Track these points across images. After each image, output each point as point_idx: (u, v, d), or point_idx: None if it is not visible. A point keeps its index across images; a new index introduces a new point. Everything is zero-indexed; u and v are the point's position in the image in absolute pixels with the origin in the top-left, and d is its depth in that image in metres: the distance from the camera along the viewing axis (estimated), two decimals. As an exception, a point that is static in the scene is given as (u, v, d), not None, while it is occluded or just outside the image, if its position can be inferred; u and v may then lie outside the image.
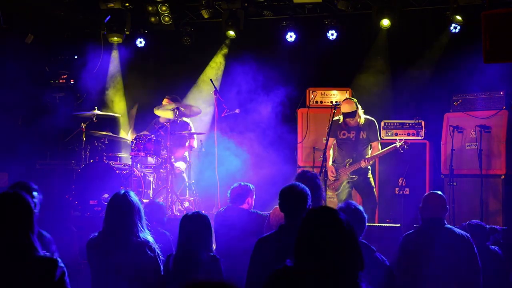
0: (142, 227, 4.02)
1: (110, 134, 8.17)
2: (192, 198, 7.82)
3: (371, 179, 7.34)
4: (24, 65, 8.94)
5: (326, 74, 9.22)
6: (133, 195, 4.06)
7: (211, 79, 8.37)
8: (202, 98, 9.42)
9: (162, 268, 4.03)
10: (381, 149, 7.27)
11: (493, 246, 5.24)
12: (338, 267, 2.55)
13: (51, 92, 9.55)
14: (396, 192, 7.85)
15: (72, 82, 9.54)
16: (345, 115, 7.17)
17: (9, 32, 8.72)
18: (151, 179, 7.96)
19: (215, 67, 9.69)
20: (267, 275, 2.82)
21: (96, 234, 4.09)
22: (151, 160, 7.94)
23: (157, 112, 8.00)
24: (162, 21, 9.29)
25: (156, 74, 9.59)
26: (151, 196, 7.68)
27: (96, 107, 8.31)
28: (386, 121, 8.17)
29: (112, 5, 8.98)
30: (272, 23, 9.33)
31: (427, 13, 8.82)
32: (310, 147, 8.27)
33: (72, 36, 9.83)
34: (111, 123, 8.89)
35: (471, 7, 8.15)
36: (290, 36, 9.14)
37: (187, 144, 8.07)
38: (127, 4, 9.11)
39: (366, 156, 7.20)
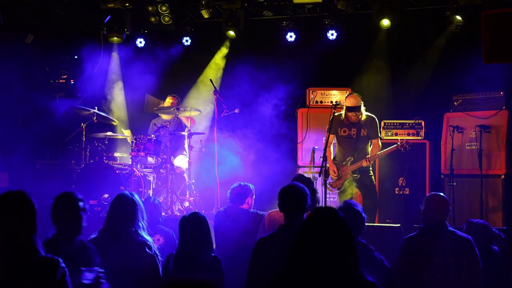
0: (143, 227, 4.03)
1: (110, 134, 8.17)
2: (192, 198, 7.83)
3: (373, 177, 7.34)
4: (24, 65, 8.95)
5: (326, 74, 9.22)
6: (135, 196, 4.09)
7: (211, 79, 8.38)
8: (202, 98, 9.42)
9: (160, 268, 4.04)
10: (381, 146, 7.27)
11: (494, 246, 5.23)
12: (339, 268, 2.54)
13: (51, 92, 9.55)
14: (396, 192, 7.85)
15: (72, 82, 9.54)
16: (349, 108, 7.15)
17: (9, 32, 8.72)
18: (151, 179, 7.96)
19: (215, 67, 9.69)
20: (267, 275, 2.82)
21: (96, 234, 4.09)
22: (151, 160, 7.94)
23: (157, 111, 8.02)
24: (162, 21, 9.30)
25: (156, 74, 9.58)
26: (151, 196, 7.67)
27: (96, 107, 8.32)
28: (386, 121, 8.17)
29: (112, 5, 8.98)
30: (272, 23, 9.33)
31: (427, 13, 8.82)
32: (310, 147, 8.27)
33: (72, 36, 9.83)
34: (111, 123, 8.88)
35: (471, 7, 8.15)
36: (290, 36, 9.14)
37: (185, 143, 8.08)
38: (127, 4, 9.11)
39: (367, 156, 7.20)
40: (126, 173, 7.71)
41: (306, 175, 8.18)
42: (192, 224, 4.10)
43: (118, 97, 9.79)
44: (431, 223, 4.46)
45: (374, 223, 7.10)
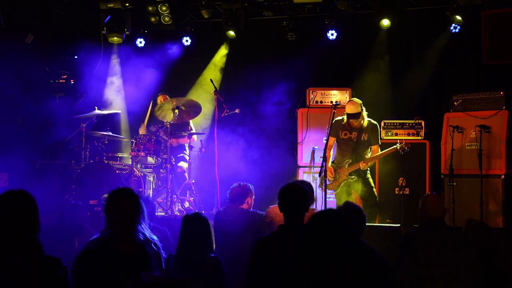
0: (146, 225, 4.02)
1: (110, 134, 8.17)
2: (192, 198, 7.83)
3: (370, 179, 7.35)
4: (24, 65, 8.95)
5: (326, 74, 9.22)
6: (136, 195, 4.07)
7: (211, 79, 8.38)
8: (202, 98, 9.41)
9: (161, 264, 4.03)
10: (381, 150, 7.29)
11: (492, 246, 5.23)
12: (341, 269, 2.55)
13: (51, 92, 9.55)
14: (396, 192, 7.85)
15: (72, 82, 9.54)
16: (349, 116, 7.17)
17: (9, 32, 8.72)
18: (151, 179, 7.97)
19: (215, 67, 9.68)
20: (267, 275, 2.83)
21: (98, 234, 4.08)
22: (151, 160, 7.95)
23: (157, 112, 8.02)
24: (162, 21, 9.29)
25: (156, 74, 9.58)
26: (151, 196, 7.68)
27: (96, 107, 8.32)
28: (386, 121, 8.17)
29: (112, 5, 8.98)
30: (272, 23, 9.32)
31: (427, 13, 8.82)
32: (310, 147, 8.27)
33: (72, 36, 9.83)
34: (111, 123, 8.89)
35: (471, 7, 8.15)
36: (290, 36, 9.14)
37: (187, 138, 8.08)
38: (127, 4, 9.10)
39: (366, 157, 7.21)
40: (126, 173, 7.71)
41: (306, 175, 8.27)
42: (194, 224, 4.10)
43: (118, 97, 9.78)
44: (428, 222, 4.49)
45: (374, 223, 7.11)
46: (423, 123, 8.07)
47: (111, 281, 3.23)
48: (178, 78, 9.65)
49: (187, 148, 8.27)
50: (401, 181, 7.75)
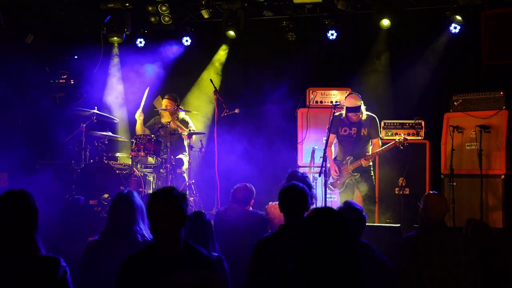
0: (145, 227, 4.02)
1: (110, 134, 8.17)
2: (192, 198, 7.83)
3: (373, 177, 7.36)
4: (24, 65, 8.95)
5: (326, 74, 9.22)
6: (136, 195, 4.08)
7: (211, 79, 8.38)
8: (202, 98, 9.42)
9: None
10: (381, 146, 7.29)
11: (492, 246, 5.23)
12: (341, 269, 2.54)
13: (51, 92, 9.55)
14: (396, 192, 7.85)
15: (72, 82, 9.54)
16: (349, 109, 7.16)
17: (9, 32, 8.72)
18: (151, 179, 7.96)
19: (215, 67, 9.68)
20: (267, 275, 2.82)
21: (98, 235, 4.08)
22: (151, 160, 7.95)
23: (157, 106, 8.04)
24: (162, 21, 9.30)
25: (156, 74, 9.58)
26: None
27: (96, 107, 8.32)
28: (386, 121, 8.17)
29: (112, 5, 8.98)
30: (272, 23, 9.33)
31: (427, 13, 8.82)
32: (310, 147, 8.27)
33: (72, 36, 9.83)
34: (111, 123, 8.89)
35: (471, 7, 8.15)
36: (291, 36, 9.14)
37: (186, 143, 8.08)
38: (127, 4, 9.11)
39: (366, 154, 7.21)
40: (126, 173, 7.71)
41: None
42: (196, 223, 4.10)
43: (117, 97, 9.78)
44: (429, 222, 4.48)
45: (374, 223, 7.11)
46: (423, 123, 8.07)
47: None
48: (178, 78, 9.64)
49: (187, 149, 8.27)
50: (401, 181, 7.76)
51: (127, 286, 3.13)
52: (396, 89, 8.88)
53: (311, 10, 9.18)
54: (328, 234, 2.60)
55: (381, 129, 8.03)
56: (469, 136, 7.69)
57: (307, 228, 2.67)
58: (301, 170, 8.31)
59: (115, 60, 9.80)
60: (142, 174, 7.79)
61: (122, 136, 8.80)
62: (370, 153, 7.24)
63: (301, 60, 9.19)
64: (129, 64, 9.67)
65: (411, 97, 8.72)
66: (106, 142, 8.05)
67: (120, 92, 9.82)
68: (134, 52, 9.66)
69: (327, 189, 6.89)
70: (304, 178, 4.94)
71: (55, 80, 9.56)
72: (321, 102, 8.51)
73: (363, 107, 7.26)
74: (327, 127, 7.24)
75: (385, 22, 8.47)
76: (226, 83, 9.46)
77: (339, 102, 7.36)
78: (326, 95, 8.51)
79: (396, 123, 8.16)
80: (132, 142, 7.70)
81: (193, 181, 7.98)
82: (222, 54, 9.68)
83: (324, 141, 7.30)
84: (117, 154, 8.32)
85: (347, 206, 4.13)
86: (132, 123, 9.46)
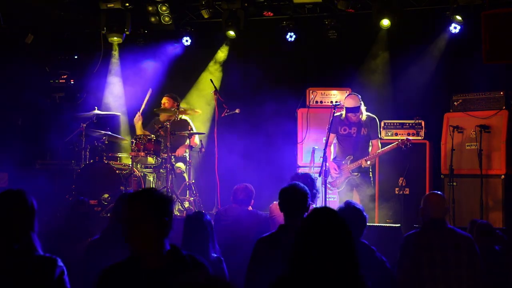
0: None
1: (110, 134, 8.17)
2: (192, 198, 7.83)
3: (372, 179, 7.36)
4: (24, 65, 8.94)
5: (326, 74, 9.21)
6: None
7: (211, 79, 8.38)
8: (202, 98, 9.42)
9: None
10: (381, 147, 7.29)
11: (495, 246, 5.23)
12: (340, 271, 2.53)
13: (51, 92, 9.55)
14: (396, 192, 7.85)
15: (72, 82, 9.54)
16: (349, 109, 7.16)
17: (9, 32, 8.71)
18: (151, 179, 7.96)
19: (215, 67, 9.69)
20: (266, 275, 2.82)
21: (99, 234, 4.08)
22: (151, 160, 7.94)
23: (158, 111, 8.03)
24: (162, 21, 9.29)
25: (156, 74, 9.58)
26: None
27: (96, 107, 8.32)
28: (386, 121, 8.17)
29: (112, 5, 8.98)
30: (272, 23, 9.32)
31: (427, 13, 8.82)
32: (310, 147, 8.27)
33: (72, 36, 9.83)
34: (111, 123, 8.88)
35: (471, 7, 8.16)
36: (290, 36, 9.14)
37: (187, 142, 8.08)
38: (127, 4, 9.10)
39: (369, 155, 7.21)
40: (126, 173, 7.71)
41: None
42: (196, 223, 4.10)
43: (118, 97, 9.78)
44: (429, 221, 4.48)
45: (374, 223, 7.11)
46: (423, 123, 8.07)
47: None
48: (178, 78, 9.64)
49: (186, 149, 8.26)
50: (401, 181, 7.75)
51: None
52: (396, 89, 8.88)
53: (311, 10, 9.18)
54: (328, 234, 2.59)
55: (381, 129, 8.04)
56: (469, 136, 7.69)
57: (306, 228, 2.66)
58: (301, 170, 8.36)
59: (115, 60, 9.79)
60: (142, 174, 7.79)
61: (122, 136, 8.80)
62: (371, 154, 7.23)
63: (301, 60, 9.19)
64: (129, 64, 9.67)
65: (411, 97, 8.71)
66: (106, 142, 8.05)
67: (120, 92, 9.82)
68: (134, 52, 9.66)
69: (326, 189, 6.89)
70: (307, 177, 4.93)
71: (55, 80, 9.56)
72: (321, 102, 8.50)
73: (363, 108, 7.26)
74: (327, 127, 7.24)
75: (385, 22, 8.48)
76: (226, 83, 9.46)
77: (339, 102, 7.36)
78: (326, 95, 8.51)
79: (396, 123, 8.16)
80: (132, 142, 7.69)
81: (193, 181, 7.98)
82: (222, 54, 9.68)
83: (324, 141, 7.30)
84: (117, 154, 8.32)
85: (348, 206, 4.13)
86: (132, 122, 9.45)
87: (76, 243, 4.71)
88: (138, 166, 7.93)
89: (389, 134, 8.12)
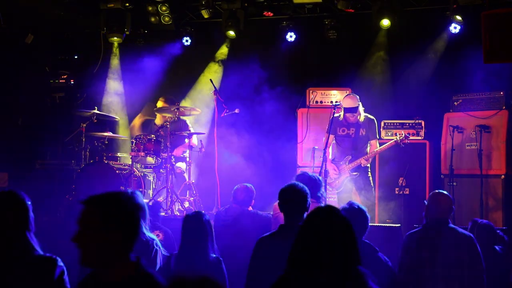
0: (146, 227, 4.03)
1: (110, 134, 8.17)
2: (192, 198, 7.83)
3: (371, 178, 7.37)
4: (24, 65, 8.94)
5: (326, 74, 9.21)
6: (139, 195, 4.06)
7: (211, 79, 8.38)
8: (202, 98, 9.42)
9: (160, 265, 4.02)
10: (379, 147, 7.30)
11: (496, 247, 5.23)
12: (340, 268, 2.53)
13: (51, 92, 9.55)
14: (396, 192, 7.85)
15: (72, 82, 9.54)
16: (347, 110, 7.17)
17: (9, 32, 8.71)
18: (151, 179, 7.96)
19: (215, 67, 9.68)
20: (267, 275, 2.81)
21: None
22: (151, 160, 7.94)
23: (157, 113, 8.03)
24: (162, 21, 9.29)
25: (156, 74, 9.58)
26: (151, 196, 7.68)
27: (96, 107, 8.31)
28: (386, 121, 8.17)
29: (112, 5, 8.98)
30: (272, 23, 9.32)
31: (427, 13, 8.82)
32: (310, 147, 8.26)
33: (72, 36, 9.83)
34: (111, 124, 8.88)
35: (471, 7, 8.16)
36: (290, 36, 9.14)
37: (186, 141, 8.08)
38: (127, 4, 9.11)
39: (367, 154, 7.22)
40: (126, 173, 7.71)
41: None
42: (195, 223, 4.10)
43: (118, 97, 9.78)
44: (433, 220, 4.48)
45: (374, 223, 7.11)
46: (423, 123, 8.07)
47: None
48: (178, 78, 9.64)
49: (186, 149, 8.26)
50: (401, 181, 7.76)
51: None
52: (396, 89, 8.88)
53: (311, 10, 9.18)
54: (330, 232, 2.58)
55: (381, 129, 8.04)
56: (469, 136, 7.69)
57: (308, 226, 2.65)
58: (301, 170, 8.35)
59: (115, 60, 9.79)
60: (142, 174, 7.79)
61: (122, 136, 8.80)
62: (370, 153, 7.24)
63: (301, 60, 9.19)
64: (129, 64, 9.67)
65: (411, 97, 8.71)
66: (106, 142, 8.04)
67: (120, 92, 9.82)
68: (134, 52, 9.66)
69: (326, 189, 6.89)
70: (313, 178, 4.91)
71: (55, 80, 9.56)
72: (321, 102, 8.50)
73: (361, 109, 7.26)
74: (326, 128, 7.25)
75: (385, 22, 8.48)
76: (226, 83, 9.45)
77: (339, 102, 7.36)
78: (326, 95, 8.51)
79: (396, 123, 8.16)
80: (132, 142, 7.69)
81: (193, 181, 7.98)
82: (222, 54, 9.68)
83: (324, 141, 7.30)
84: (117, 154, 8.32)
85: (351, 206, 4.14)
86: (132, 123, 9.46)
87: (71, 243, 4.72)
88: (138, 166, 7.93)
89: (389, 134, 8.12)
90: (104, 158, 7.80)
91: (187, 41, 9.60)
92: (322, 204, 5.17)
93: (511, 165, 7.49)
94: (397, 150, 7.35)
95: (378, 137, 7.46)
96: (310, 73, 9.19)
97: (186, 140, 8.08)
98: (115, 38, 9.30)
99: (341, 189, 7.33)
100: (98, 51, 9.45)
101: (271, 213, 5.65)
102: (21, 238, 2.91)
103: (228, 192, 5.98)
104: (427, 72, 8.74)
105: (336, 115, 7.24)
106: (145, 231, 4.01)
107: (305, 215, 3.97)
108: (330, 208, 2.70)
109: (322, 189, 5.01)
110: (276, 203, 5.26)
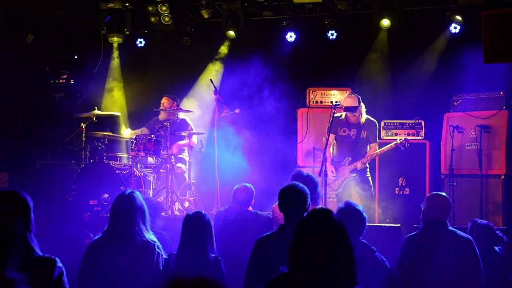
0: (146, 228, 4.02)
1: (110, 134, 8.17)
2: (192, 198, 7.83)
3: (370, 178, 7.37)
4: (24, 65, 8.95)
5: (326, 74, 9.21)
6: (138, 195, 4.06)
7: (211, 79, 8.38)
8: (202, 98, 9.42)
9: (161, 266, 4.02)
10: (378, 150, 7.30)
11: (496, 247, 5.23)
12: (333, 274, 2.52)
13: (51, 92, 9.55)
14: (396, 192, 7.84)
15: (72, 82, 9.54)
16: (346, 109, 7.18)
17: (9, 32, 8.71)
18: (151, 179, 7.96)
19: (215, 67, 9.68)
20: (266, 274, 2.81)
21: (99, 235, 4.07)
22: (151, 160, 7.95)
23: (157, 110, 8.05)
24: (162, 21, 9.29)
25: (156, 74, 9.58)
26: (151, 196, 7.68)
27: (96, 107, 8.31)
28: (386, 121, 8.17)
29: (112, 5, 8.98)
30: (272, 23, 9.32)
31: (427, 13, 8.82)
32: (310, 147, 8.26)
33: (72, 36, 9.83)
34: (111, 123, 8.88)
35: (471, 7, 8.16)
36: (290, 36, 9.13)
37: (185, 141, 8.08)
38: (127, 4, 9.11)
39: (364, 158, 7.20)
40: (126, 173, 7.71)
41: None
42: (195, 223, 4.09)
43: (118, 97, 9.78)
44: (431, 222, 4.47)
45: (374, 223, 7.11)
46: (423, 123, 8.06)
47: None
48: (178, 78, 9.64)
49: (186, 149, 8.26)
50: (401, 181, 7.76)
51: None
52: (396, 89, 8.88)
53: (311, 10, 9.18)
54: (322, 236, 2.57)
55: (381, 129, 8.04)
56: (469, 136, 7.68)
57: (301, 229, 2.65)
58: (303, 170, 8.35)
59: (115, 60, 9.80)
60: (142, 174, 7.79)
61: (122, 136, 8.80)
62: (367, 155, 7.23)
63: (301, 60, 9.19)
64: (129, 64, 9.66)
65: (411, 97, 8.71)
66: (106, 142, 8.04)
67: (120, 92, 9.82)
68: (134, 52, 9.65)
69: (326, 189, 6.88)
70: (309, 177, 4.91)
71: (55, 80, 9.56)
72: (321, 102, 8.50)
73: (363, 110, 7.26)
74: (327, 127, 7.25)
75: (385, 22, 8.48)
76: (226, 83, 9.45)
77: (339, 102, 7.36)
78: (326, 95, 8.51)
79: (396, 123, 8.16)
80: (132, 142, 7.69)
81: (193, 181, 7.98)
82: (222, 54, 9.68)
83: (324, 141, 7.30)
84: (117, 154, 8.32)
85: (348, 206, 4.13)
86: (132, 123, 9.47)
87: (71, 243, 4.73)
88: (138, 166, 7.93)
89: (389, 134, 8.12)
90: (104, 158, 7.80)
91: (187, 41, 9.60)
92: (320, 205, 5.18)
93: (511, 165, 7.49)
94: (398, 150, 7.34)
95: (378, 140, 7.45)
96: (310, 73, 9.19)
97: (186, 140, 8.08)
98: (115, 38, 9.30)
99: (340, 190, 7.33)
100: (98, 51, 9.44)
101: (271, 213, 5.65)
102: (21, 238, 2.90)
103: (228, 192, 5.98)
104: (427, 72, 8.73)
105: (337, 114, 7.24)
106: (145, 232, 4.01)
107: (305, 215, 3.96)
108: (324, 212, 2.69)
109: (319, 189, 4.99)
110: (275, 205, 5.26)
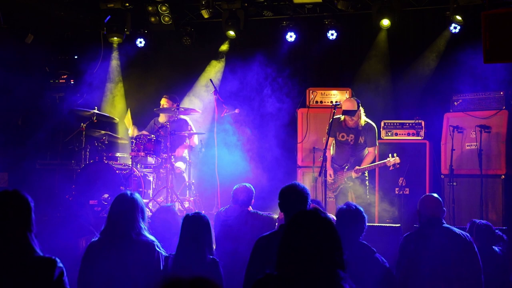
0: (145, 227, 4.02)
1: (110, 134, 8.17)
2: (192, 198, 7.83)
3: (367, 179, 7.35)
4: (24, 65, 8.94)
5: (326, 74, 9.22)
6: (137, 196, 4.07)
7: (211, 79, 8.38)
8: (201, 98, 9.43)
9: (161, 267, 4.03)
10: (377, 154, 7.31)
11: (495, 247, 5.24)
12: (320, 274, 2.52)
13: (51, 92, 9.55)
14: (396, 192, 7.85)
15: (72, 82, 9.54)
16: (345, 112, 7.17)
17: (9, 32, 8.71)
18: (151, 179, 7.96)
19: (215, 67, 9.68)
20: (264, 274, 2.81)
21: (98, 235, 4.07)
22: (151, 160, 7.94)
23: (157, 111, 8.04)
24: (162, 21, 9.30)
25: (156, 74, 9.58)
26: (151, 196, 7.68)
27: (96, 107, 8.31)
28: (386, 121, 8.17)
29: (112, 5, 8.98)
30: (272, 23, 9.33)
31: (427, 13, 8.83)
32: (310, 147, 8.26)
33: (72, 36, 9.83)
34: (111, 123, 8.89)
35: (471, 7, 8.15)
36: (290, 36, 9.14)
37: (187, 142, 8.08)
38: (127, 4, 9.11)
39: (356, 167, 7.16)
40: (126, 173, 7.71)
41: (306, 175, 8.27)
42: (195, 224, 4.09)
43: (118, 97, 9.78)
44: (426, 220, 4.51)
45: (374, 223, 7.11)
46: (423, 123, 8.07)
47: None
48: (178, 78, 9.64)
49: (186, 149, 8.26)
50: (401, 181, 7.75)
51: None
52: (396, 89, 8.88)
53: (311, 10, 9.18)
54: (308, 237, 2.56)
55: (381, 129, 8.04)
56: (469, 136, 7.69)
57: (288, 230, 2.65)
58: (301, 170, 8.37)
59: (115, 60, 9.80)
60: (142, 174, 7.79)
61: (122, 136, 8.80)
62: (361, 166, 7.21)
63: (301, 60, 9.19)
64: (129, 64, 9.66)
65: (411, 97, 8.72)
66: (106, 142, 8.04)
67: (120, 92, 9.82)
68: (134, 52, 9.65)
69: (326, 189, 6.89)
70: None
71: (55, 80, 9.56)
72: (321, 102, 8.50)
73: (362, 114, 7.24)
74: (327, 128, 7.24)
75: (385, 22, 8.48)
76: (226, 83, 9.46)
77: (339, 102, 7.35)
78: (326, 95, 8.51)
79: (396, 123, 8.16)
80: (132, 142, 7.69)
81: (193, 181, 7.98)
82: (222, 54, 9.68)
83: (324, 141, 7.30)
84: (117, 154, 8.32)
85: (348, 206, 4.14)
86: (132, 122, 9.47)
87: (70, 243, 4.73)
88: (138, 166, 7.93)
89: (389, 134, 8.12)
90: (104, 158, 7.80)
91: (187, 41, 9.60)
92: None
93: (511, 165, 7.49)
94: (397, 150, 7.34)
95: (376, 144, 7.44)
96: (310, 73, 9.19)
97: (187, 140, 8.08)
98: (115, 38, 9.30)
99: (338, 193, 7.34)
100: (98, 51, 9.45)
101: (271, 213, 5.65)
102: (23, 239, 2.90)
103: (228, 192, 5.98)
104: (427, 72, 8.74)
105: (336, 116, 7.23)
106: (145, 232, 4.01)
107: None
108: (309, 215, 2.68)
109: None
110: (280, 214, 5.24)
